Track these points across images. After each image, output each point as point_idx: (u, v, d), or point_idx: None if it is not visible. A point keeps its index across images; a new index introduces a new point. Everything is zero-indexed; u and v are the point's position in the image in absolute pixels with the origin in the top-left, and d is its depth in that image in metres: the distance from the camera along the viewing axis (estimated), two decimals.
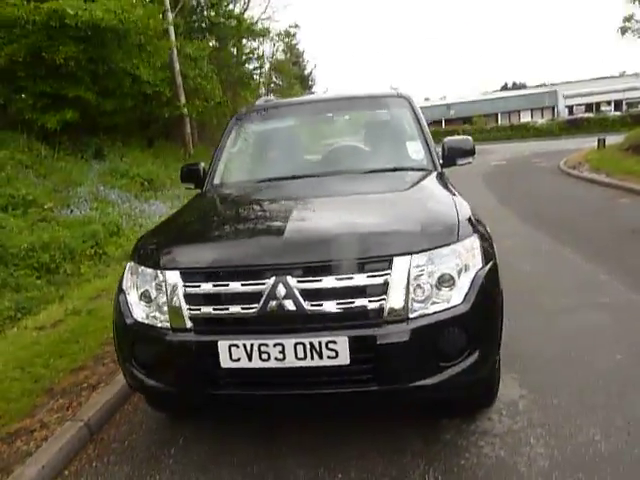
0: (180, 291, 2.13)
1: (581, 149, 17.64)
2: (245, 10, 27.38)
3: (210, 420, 2.81)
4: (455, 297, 2.06)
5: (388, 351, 1.98)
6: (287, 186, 3.00)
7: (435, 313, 2.02)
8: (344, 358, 1.96)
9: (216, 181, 3.40)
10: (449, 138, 3.34)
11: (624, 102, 43.68)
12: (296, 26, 32.93)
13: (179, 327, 2.13)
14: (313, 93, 57.98)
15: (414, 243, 2.06)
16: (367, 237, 2.11)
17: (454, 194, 2.67)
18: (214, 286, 2.10)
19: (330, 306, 2.00)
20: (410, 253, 2.02)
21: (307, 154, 3.41)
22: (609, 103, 44.73)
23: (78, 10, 8.68)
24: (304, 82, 56.93)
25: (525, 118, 45.39)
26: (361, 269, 2.01)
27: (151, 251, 2.35)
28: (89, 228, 6.77)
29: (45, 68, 9.50)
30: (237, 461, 2.40)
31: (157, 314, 2.19)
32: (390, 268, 2.00)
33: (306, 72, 59.42)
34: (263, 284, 2.03)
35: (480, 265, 2.15)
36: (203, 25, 19.50)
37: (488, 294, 2.14)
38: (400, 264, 2.00)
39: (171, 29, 14.36)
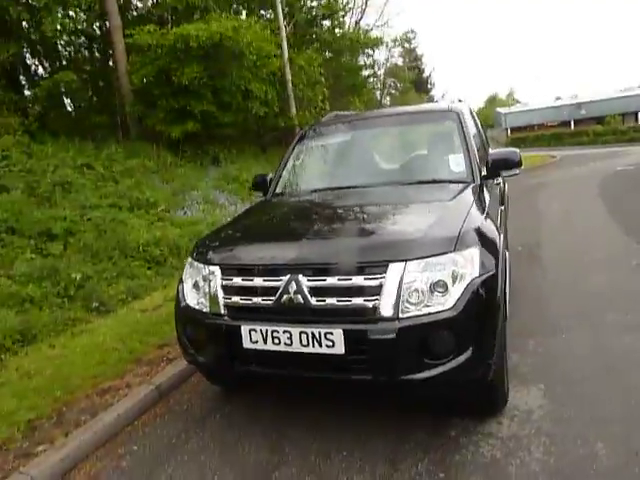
0: (218, 283, 2.61)
1: None
2: (360, 19, 28.12)
3: (253, 394, 3.27)
4: (447, 302, 2.25)
5: (378, 345, 2.24)
6: (329, 196, 3.36)
7: (425, 315, 2.23)
8: (340, 348, 2.27)
9: (278, 190, 3.87)
10: (494, 151, 3.43)
11: None
12: (412, 32, 32.66)
13: (216, 312, 2.60)
14: (432, 97, 57.01)
15: (411, 251, 2.30)
16: (367, 244, 2.41)
17: (476, 205, 2.81)
18: (243, 280, 2.54)
19: (331, 302, 2.32)
20: (405, 260, 2.26)
21: (356, 167, 3.72)
22: None
23: (199, 31, 9.92)
24: (422, 85, 56.31)
25: None
26: (359, 272, 2.30)
27: (203, 250, 2.87)
28: (196, 228, 7.73)
29: (173, 86, 10.92)
30: (262, 430, 2.82)
31: (202, 300, 2.69)
32: (385, 272, 2.26)
33: (424, 75, 58.73)
34: (280, 280, 2.42)
35: (476, 274, 2.31)
36: (313, 36, 20.42)
37: (482, 301, 2.29)
38: (394, 269, 2.26)
39: (284, 44, 15.38)
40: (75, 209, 7.24)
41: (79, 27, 11.80)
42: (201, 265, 2.76)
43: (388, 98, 36.33)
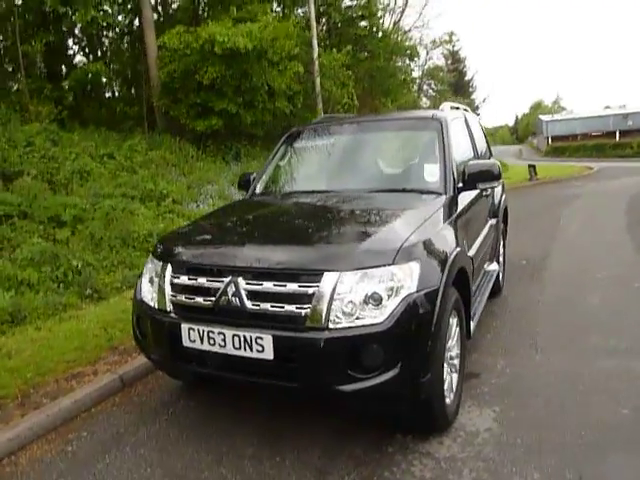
0: (167, 280, 2.64)
1: None
2: (399, 20, 27.82)
3: (211, 392, 3.29)
4: (379, 316, 2.20)
5: (305, 354, 2.22)
6: (295, 200, 3.34)
7: (355, 327, 2.20)
8: (269, 353, 2.26)
9: (257, 190, 3.88)
10: (472, 162, 3.33)
11: None
12: (452, 34, 32.16)
13: (162, 309, 2.63)
14: (472, 101, 55.97)
15: (347, 262, 2.26)
16: (306, 252, 2.39)
17: (436, 218, 2.75)
18: (189, 279, 2.56)
19: (265, 307, 2.31)
20: (339, 270, 2.23)
21: (331, 171, 3.68)
22: None
23: (225, 37, 10.06)
24: (463, 89, 55.34)
25: None
26: (294, 279, 2.29)
27: (161, 246, 2.91)
28: None
29: (196, 83, 11.12)
30: (206, 430, 2.84)
31: (154, 296, 2.73)
32: (319, 282, 2.24)
33: (466, 78, 57.68)
34: (221, 282, 2.43)
35: (414, 289, 2.26)
36: (350, 36, 20.30)
37: (416, 317, 2.24)
38: (328, 279, 2.23)
39: (314, 41, 15.38)
40: (88, 197, 7.49)
41: (113, 21, 12.15)
42: (156, 261, 2.80)
43: (424, 100, 35.80)
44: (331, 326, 2.21)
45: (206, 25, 11.08)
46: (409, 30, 28.91)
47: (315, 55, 15.20)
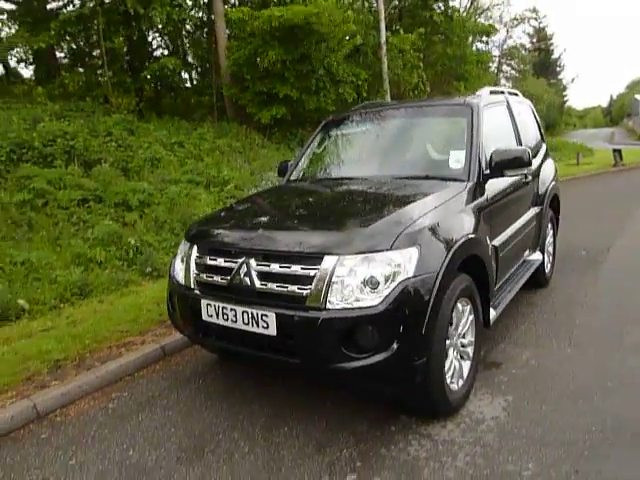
0: (193, 259, 2.89)
1: None
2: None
3: (239, 365, 3.54)
4: (375, 299, 2.29)
5: (303, 332, 2.36)
6: (316, 187, 3.48)
7: (351, 309, 2.30)
8: (272, 330, 2.43)
9: (293, 177, 4.04)
10: (498, 148, 3.25)
11: None
12: (534, 10, 30.20)
13: (188, 285, 2.89)
14: (559, 81, 52.22)
15: (347, 246, 2.37)
16: (310, 236, 2.51)
17: (449, 205, 2.76)
18: (210, 259, 2.79)
19: (272, 287, 2.48)
20: (339, 254, 2.34)
21: (360, 158, 3.74)
22: None
23: (282, 12, 10.32)
24: (550, 67, 51.77)
25: None
26: (298, 261, 2.43)
27: (191, 230, 3.17)
28: None
29: (260, 70, 11.47)
30: (228, 400, 3.09)
31: (182, 274, 3.00)
32: (320, 264, 2.36)
33: (553, 57, 53.91)
34: (236, 262, 2.63)
35: (411, 274, 2.31)
36: (423, 18, 19.70)
37: (410, 301, 2.29)
38: (328, 262, 2.35)
39: (382, 25, 15.17)
40: (157, 183, 8.07)
41: (187, 16, 12.78)
42: (186, 242, 3.06)
43: (503, 82, 33.98)
44: (329, 306, 2.33)
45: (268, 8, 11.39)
46: (487, 8, 27.58)
47: (382, 39, 15.00)
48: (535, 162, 4.56)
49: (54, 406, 3.08)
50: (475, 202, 3.03)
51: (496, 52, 30.75)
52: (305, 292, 2.38)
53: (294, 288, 2.41)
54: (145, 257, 5.80)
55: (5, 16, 12.28)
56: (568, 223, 7.68)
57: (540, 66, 45.98)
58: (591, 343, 3.50)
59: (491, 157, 3.22)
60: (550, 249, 4.98)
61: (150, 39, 15.19)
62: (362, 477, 2.28)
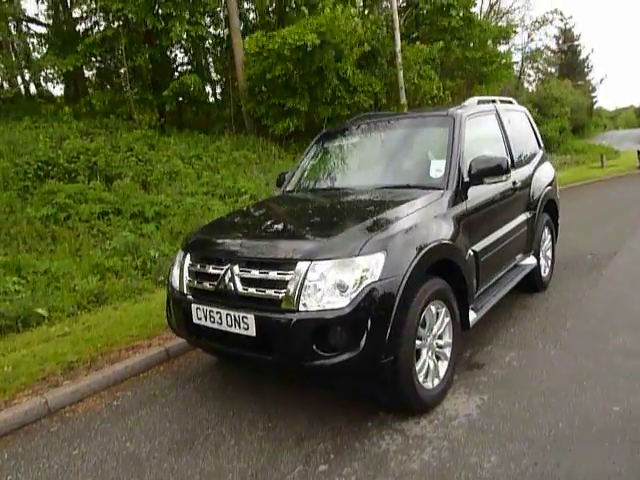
0: (186, 267, 3.13)
1: None
2: (496, 2, 26.44)
3: (235, 367, 3.76)
4: (343, 301, 2.47)
5: (279, 332, 2.56)
6: (303, 198, 3.71)
7: (321, 310, 2.49)
8: (252, 331, 2.63)
9: (288, 188, 4.26)
10: (477, 157, 3.39)
11: None
12: (555, 11, 29.86)
13: (181, 291, 3.13)
14: (587, 82, 51.10)
15: (318, 252, 2.56)
16: (285, 244, 2.73)
17: (421, 212, 2.92)
18: (200, 267, 3.03)
19: (252, 291, 2.69)
20: (311, 260, 2.53)
21: (348, 170, 3.93)
22: None
23: (295, 36, 10.60)
24: (577, 69, 50.72)
25: None
26: (275, 267, 2.64)
27: (187, 239, 3.42)
28: None
29: (272, 83, 11.81)
30: (222, 398, 3.30)
31: (178, 280, 3.24)
32: (294, 269, 2.56)
33: (580, 58, 52.84)
34: (222, 269, 2.85)
35: (377, 278, 2.49)
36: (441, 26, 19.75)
37: (375, 304, 2.46)
38: (301, 267, 2.54)
39: (397, 34, 15.33)
40: (174, 195, 8.44)
41: (205, 33, 13.25)
42: (181, 251, 3.31)
43: (526, 85, 33.57)
44: (302, 308, 2.52)
45: (282, 28, 11.71)
46: (507, 12, 27.41)
47: (397, 49, 15.16)
48: (529, 168, 4.67)
49: (64, 403, 3.36)
50: (453, 209, 3.18)
51: (518, 56, 30.42)
52: (281, 295, 2.58)
53: (271, 292, 2.62)
54: (158, 266, 6.10)
55: (36, 40, 13.02)
56: (580, 226, 7.68)
57: (567, 67, 45.20)
58: (577, 346, 3.57)
59: (470, 165, 3.36)
60: (548, 253, 5.04)
61: (173, 56, 15.81)
62: (333, 468, 2.45)
